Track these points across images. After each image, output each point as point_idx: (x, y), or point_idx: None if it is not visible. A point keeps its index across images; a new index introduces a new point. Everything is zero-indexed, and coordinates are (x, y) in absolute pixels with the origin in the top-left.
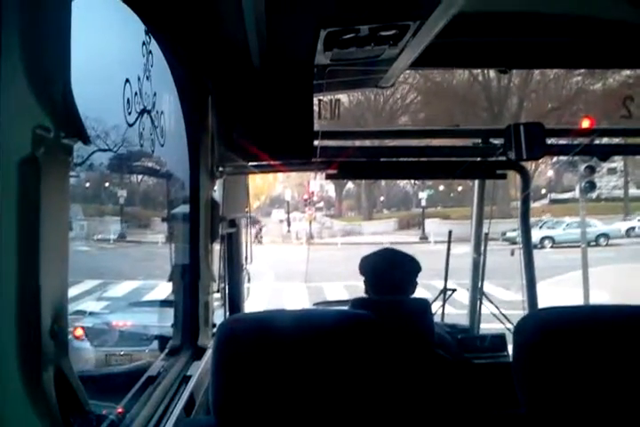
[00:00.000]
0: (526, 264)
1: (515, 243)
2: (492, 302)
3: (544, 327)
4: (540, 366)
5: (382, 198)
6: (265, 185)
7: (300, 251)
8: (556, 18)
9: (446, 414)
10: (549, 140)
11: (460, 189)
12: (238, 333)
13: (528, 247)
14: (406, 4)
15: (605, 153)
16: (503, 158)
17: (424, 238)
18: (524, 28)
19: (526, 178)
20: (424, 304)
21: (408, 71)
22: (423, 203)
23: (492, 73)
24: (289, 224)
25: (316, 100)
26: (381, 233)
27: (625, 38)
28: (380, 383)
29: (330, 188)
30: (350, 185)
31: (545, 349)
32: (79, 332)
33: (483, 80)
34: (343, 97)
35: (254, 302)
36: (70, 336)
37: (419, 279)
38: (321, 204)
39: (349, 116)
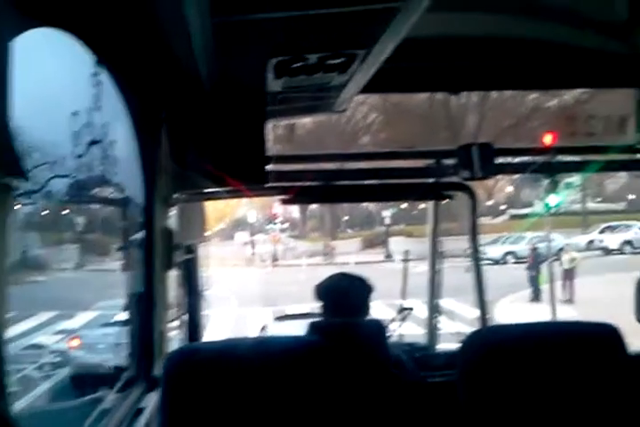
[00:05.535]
0: (476, 281)
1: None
2: (449, 320)
3: (486, 345)
4: (482, 383)
5: (346, 218)
6: (228, 208)
7: (264, 274)
8: (502, 41)
9: None
10: (505, 159)
11: (422, 206)
12: (187, 364)
13: (477, 265)
14: (352, 33)
15: (558, 171)
16: (456, 179)
17: (389, 257)
18: (471, 51)
19: (473, 198)
20: (378, 325)
21: None
22: (387, 221)
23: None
24: (253, 247)
25: (271, 125)
26: (347, 253)
27: (569, 59)
28: (335, 407)
29: (294, 209)
30: (314, 205)
31: (487, 366)
32: None
33: (442, 99)
34: (305, 119)
35: (215, 330)
36: None
37: (383, 299)
38: (285, 225)
39: (313, 137)
